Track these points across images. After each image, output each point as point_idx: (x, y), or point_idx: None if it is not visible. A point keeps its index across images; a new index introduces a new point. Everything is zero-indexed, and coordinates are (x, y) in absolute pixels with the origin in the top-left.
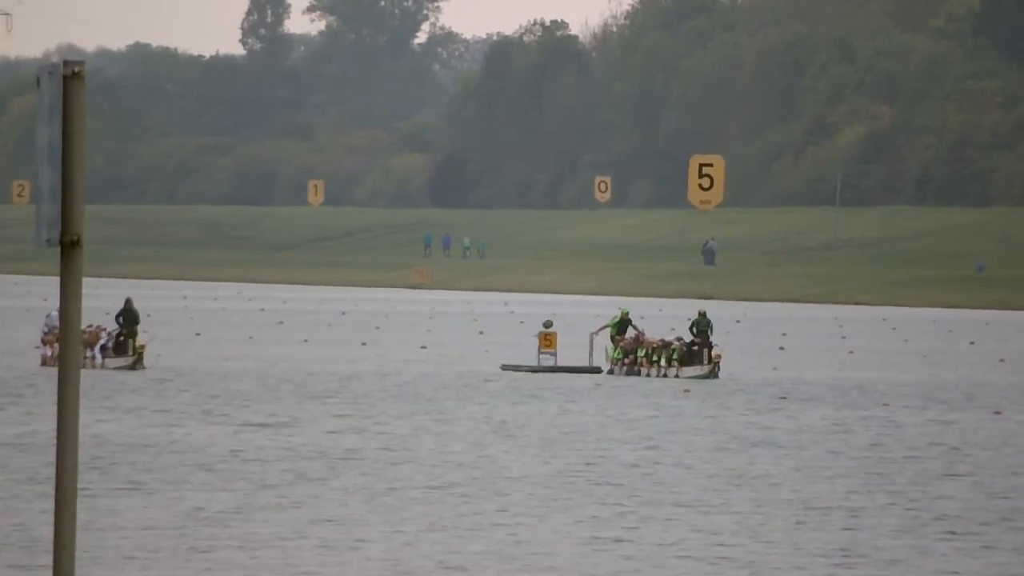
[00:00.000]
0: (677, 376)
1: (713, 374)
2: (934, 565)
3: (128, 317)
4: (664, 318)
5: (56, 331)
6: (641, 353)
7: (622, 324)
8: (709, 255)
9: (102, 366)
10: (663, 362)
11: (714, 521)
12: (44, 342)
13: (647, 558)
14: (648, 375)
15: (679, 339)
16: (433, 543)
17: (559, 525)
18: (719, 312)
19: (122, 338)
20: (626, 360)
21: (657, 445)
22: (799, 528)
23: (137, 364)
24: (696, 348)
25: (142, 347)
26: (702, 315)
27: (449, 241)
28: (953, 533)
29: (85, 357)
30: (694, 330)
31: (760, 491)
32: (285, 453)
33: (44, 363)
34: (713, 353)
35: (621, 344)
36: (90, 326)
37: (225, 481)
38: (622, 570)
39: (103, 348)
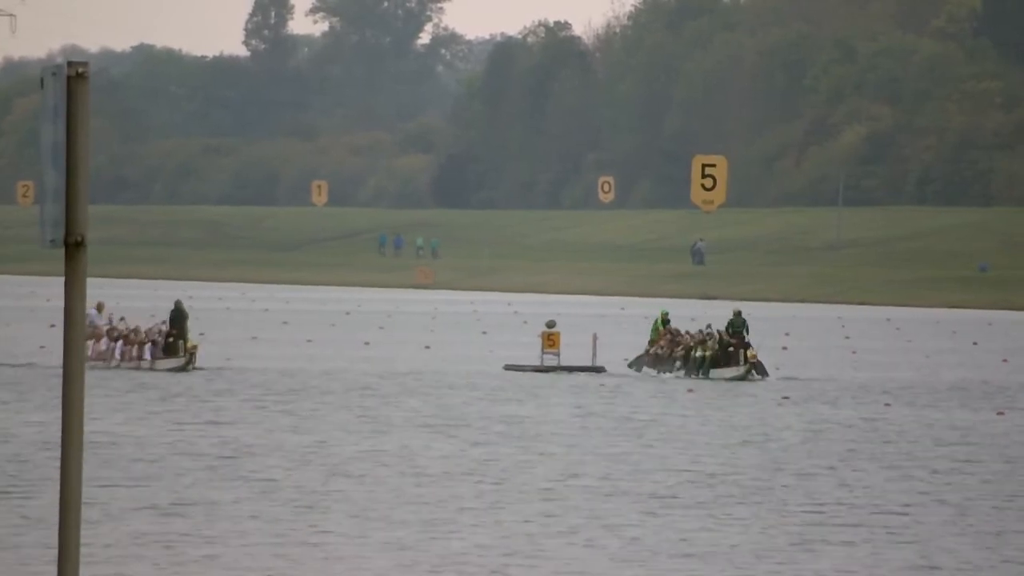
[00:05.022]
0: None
1: (755, 373)
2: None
3: (178, 318)
4: (672, 318)
5: (92, 328)
6: (678, 351)
7: (661, 325)
8: (698, 255)
9: (152, 365)
10: (699, 353)
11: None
12: None
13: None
14: (679, 376)
15: (709, 334)
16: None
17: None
18: (721, 312)
19: (171, 339)
20: (660, 357)
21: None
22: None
23: (188, 365)
24: (732, 349)
25: (194, 347)
26: (737, 314)
27: (400, 242)
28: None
29: (132, 356)
30: (729, 330)
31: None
32: (294, 453)
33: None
34: (749, 353)
35: (659, 343)
36: (136, 328)
37: (235, 480)
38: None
39: (152, 349)
